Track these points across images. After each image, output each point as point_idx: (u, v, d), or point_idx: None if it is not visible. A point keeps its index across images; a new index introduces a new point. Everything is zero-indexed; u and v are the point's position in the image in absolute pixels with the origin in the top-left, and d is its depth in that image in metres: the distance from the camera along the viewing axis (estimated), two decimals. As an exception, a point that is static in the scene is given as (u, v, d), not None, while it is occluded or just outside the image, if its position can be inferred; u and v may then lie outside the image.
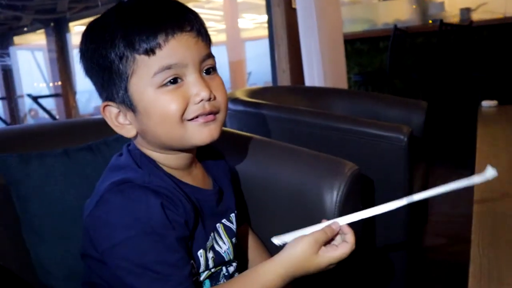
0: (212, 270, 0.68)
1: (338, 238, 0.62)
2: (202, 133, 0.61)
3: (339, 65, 2.65)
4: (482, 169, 0.83)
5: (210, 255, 0.67)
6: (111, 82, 0.61)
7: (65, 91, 7.24)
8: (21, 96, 7.45)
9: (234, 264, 0.73)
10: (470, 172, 0.87)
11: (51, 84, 7.68)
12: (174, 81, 0.59)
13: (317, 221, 0.79)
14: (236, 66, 8.36)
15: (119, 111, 0.63)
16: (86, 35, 0.62)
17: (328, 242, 0.61)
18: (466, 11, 3.82)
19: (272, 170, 0.85)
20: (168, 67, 0.58)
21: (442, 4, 4.05)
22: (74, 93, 7.33)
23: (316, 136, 1.28)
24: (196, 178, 0.70)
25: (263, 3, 2.92)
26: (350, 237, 0.60)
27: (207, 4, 8.67)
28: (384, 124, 1.25)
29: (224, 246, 0.70)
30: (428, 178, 1.80)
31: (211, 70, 0.63)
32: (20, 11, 7.29)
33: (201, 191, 0.68)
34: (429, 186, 1.90)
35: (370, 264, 1.29)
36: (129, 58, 0.58)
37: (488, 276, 0.45)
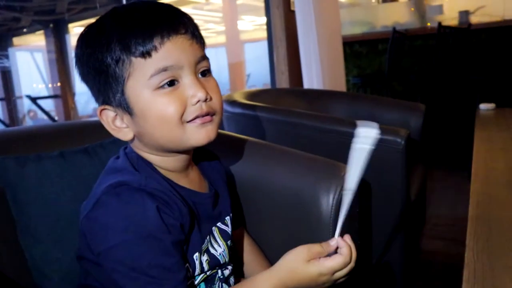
0: (208, 273, 0.68)
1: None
2: (199, 134, 0.62)
3: (338, 67, 2.65)
4: (478, 174, 0.83)
5: (205, 258, 0.67)
6: (107, 85, 0.61)
7: (64, 92, 7.24)
8: (20, 97, 7.44)
9: (230, 267, 0.73)
10: (468, 174, 0.87)
11: (50, 85, 7.68)
12: (171, 83, 0.60)
13: (314, 224, 0.79)
14: (236, 67, 8.37)
15: (116, 115, 0.63)
16: (81, 40, 0.62)
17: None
18: (464, 14, 3.82)
19: (268, 173, 0.85)
20: (164, 69, 0.59)
21: (440, 6, 4.05)
22: (73, 94, 7.33)
23: (314, 139, 1.28)
24: (192, 181, 0.70)
25: (262, 5, 2.92)
26: (344, 250, 0.60)
27: (207, 6, 8.69)
28: (381, 127, 1.25)
29: (219, 249, 0.70)
30: (426, 180, 1.81)
31: (206, 72, 0.64)
32: (19, 12, 7.29)
33: (197, 194, 0.68)
34: (427, 189, 1.91)
35: (368, 268, 1.29)
36: (126, 61, 0.59)
37: (482, 281, 0.45)
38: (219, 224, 0.72)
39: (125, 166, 0.64)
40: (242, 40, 8.74)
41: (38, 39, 8.12)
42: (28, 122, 7.84)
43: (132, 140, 0.66)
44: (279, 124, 1.32)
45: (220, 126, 0.68)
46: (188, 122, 0.61)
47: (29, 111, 7.93)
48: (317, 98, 1.88)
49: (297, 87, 2.65)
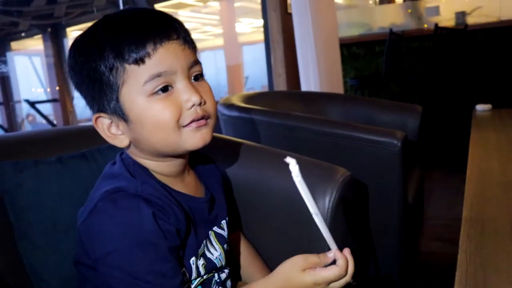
0: (204, 277, 0.68)
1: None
2: (195, 138, 0.62)
3: (335, 69, 2.66)
4: (473, 175, 0.84)
5: (201, 262, 0.68)
6: (102, 93, 0.61)
7: (63, 96, 7.24)
8: (19, 102, 7.45)
9: (226, 270, 0.73)
10: (465, 175, 0.88)
11: (48, 89, 7.69)
12: (165, 89, 0.60)
13: (310, 227, 0.80)
14: (234, 70, 8.38)
15: (111, 122, 0.64)
16: (74, 49, 0.63)
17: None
18: (461, 15, 3.84)
19: (264, 176, 0.86)
20: (158, 75, 0.59)
21: (437, 8, 4.07)
22: (72, 98, 7.33)
23: (311, 142, 1.29)
24: (188, 185, 0.71)
25: (260, 7, 2.93)
26: (341, 261, 0.60)
27: (204, 9, 8.70)
28: (377, 129, 1.26)
29: (216, 253, 0.71)
30: (423, 182, 1.81)
31: (199, 76, 0.65)
32: (17, 16, 7.29)
33: (193, 199, 0.69)
34: (424, 190, 1.91)
35: (365, 269, 1.30)
36: (119, 68, 0.59)
37: (473, 283, 0.45)
38: (215, 228, 0.73)
39: (121, 172, 0.65)
40: (240, 43, 8.76)
41: (36, 43, 8.13)
42: (26, 126, 7.84)
43: (128, 146, 0.66)
44: (276, 127, 1.32)
45: (216, 129, 0.69)
46: (183, 126, 0.61)
47: (27, 115, 7.92)
48: (314, 101, 1.89)
49: (295, 90, 2.66)
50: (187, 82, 0.61)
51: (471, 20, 3.85)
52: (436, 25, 3.19)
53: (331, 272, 0.59)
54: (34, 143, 0.92)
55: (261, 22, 2.93)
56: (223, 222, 0.75)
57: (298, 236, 0.83)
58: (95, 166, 0.85)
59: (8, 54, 8.00)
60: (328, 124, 1.28)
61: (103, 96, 0.61)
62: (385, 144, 1.22)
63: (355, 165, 1.27)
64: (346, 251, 0.61)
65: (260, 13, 2.97)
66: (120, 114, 0.62)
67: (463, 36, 3.32)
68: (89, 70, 0.60)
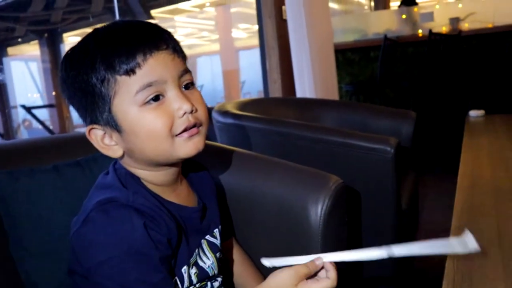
0: (197, 285, 0.69)
1: (322, 272, 0.62)
2: (188, 146, 0.63)
3: (330, 75, 2.68)
4: (464, 182, 0.85)
5: (193, 270, 0.68)
6: (94, 105, 0.62)
7: (59, 102, 7.23)
8: (15, 107, 7.43)
9: (219, 279, 0.74)
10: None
11: (44, 95, 7.68)
12: (156, 98, 0.61)
13: (303, 235, 0.81)
14: (230, 75, 8.40)
15: (105, 133, 0.65)
16: (65, 63, 0.64)
17: (311, 277, 0.61)
18: (455, 21, 3.87)
19: (258, 184, 0.87)
20: (149, 85, 0.60)
21: (431, 14, 4.10)
22: (68, 103, 7.33)
23: (305, 148, 1.30)
24: (180, 195, 0.71)
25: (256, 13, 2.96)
26: (332, 273, 0.60)
27: (201, 14, 8.73)
28: (371, 136, 1.27)
29: (208, 262, 0.72)
30: (418, 187, 1.82)
31: (190, 85, 0.66)
32: (14, 22, 7.30)
33: (185, 209, 0.69)
34: (419, 195, 1.92)
35: (358, 275, 1.30)
36: (111, 80, 0.60)
37: (460, 290, 0.46)
38: (207, 236, 0.73)
39: (113, 182, 0.65)
40: (237, 48, 8.78)
41: (32, 49, 8.14)
42: (22, 132, 7.82)
43: (122, 156, 0.67)
44: (270, 134, 1.33)
45: (211, 136, 0.70)
46: (176, 135, 0.62)
47: (23, 121, 7.91)
48: (308, 107, 1.90)
49: (290, 96, 2.68)
50: (178, 90, 0.63)
51: (465, 26, 3.88)
52: (430, 31, 3.22)
53: (324, 285, 0.59)
54: (29, 152, 0.93)
55: (257, 27, 2.95)
56: (216, 230, 0.76)
57: (291, 243, 0.83)
58: (90, 174, 0.86)
59: (5, 60, 7.99)
60: (322, 131, 1.29)
61: (96, 108, 0.62)
62: (378, 151, 1.23)
63: (349, 172, 1.28)
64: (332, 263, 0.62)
65: (256, 18, 2.99)
66: (113, 125, 0.63)
67: (457, 42, 3.35)
68: (81, 83, 0.61)
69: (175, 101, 0.62)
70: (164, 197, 0.67)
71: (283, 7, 2.73)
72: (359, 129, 1.82)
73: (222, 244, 0.77)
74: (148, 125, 0.61)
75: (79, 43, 0.64)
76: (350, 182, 1.28)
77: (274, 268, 0.62)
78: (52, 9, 6.62)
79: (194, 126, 0.63)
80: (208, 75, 9.64)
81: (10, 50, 8.57)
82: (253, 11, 3.01)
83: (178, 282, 0.66)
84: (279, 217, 0.84)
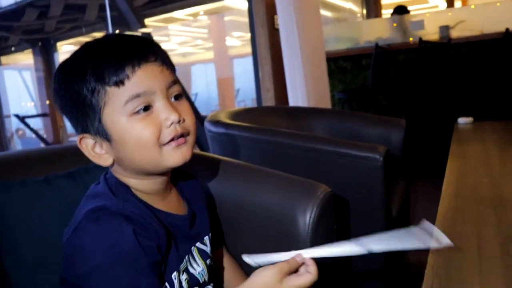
0: (188, 292, 0.70)
1: (302, 268, 0.63)
2: (175, 156, 0.66)
3: (322, 84, 2.71)
4: (448, 190, 0.87)
5: (184, 277, 0.70)
6: (85, 115, 0.65)
7: (53, 111, 7.22)
8: (8, 116, 7.41)
9: (210, 286, 0.75)
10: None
11: (38, 103, 7.67)
12: (145, 108, 0.64)
13: (292, 243, 0.82)
14: (225, 83, 8.44)
15: (95, 142, 0.67)
16: (58, 75, 0.66)
17: (293, 272, 0.63)
18: (445, 29, 3.92)
19: (247, 194, 0.88)
20: (137, 95, 0.63)
21: (421, 22, 4.16)
22: (58, 109, 7.31)
23: (296, 157, 1.32)
24: (170, 203, 0.73)
25: (249, 21, 2.99)
26: (312, 268, 0.62)
27: (195, 23, 8.78)
28: (360, 144, 1.29)
29: (198, 268, 0.73)
30: (409, 193, 1.84)
31: (178, 96, 0.68)
32: (7, 31, 7.30)
33: (174, 217, 0.71)
34: (410, 201, 1.93)
35: (350, 281, 1.32)
36: (101, 91, 0.62)
37: (438, 296, 0.48)
38: (198, 244, 0.75)
39: (104, 191, 0.67)
40: (231, 56, 8.84)
41: (26, 58, 8.14)
42: (16, 141, 7.79)
43: (112, 165, 0.69)
44: (261, 144, 1.35)
45: (204, 146, 0.72)
46: (164, 145, 0.65)
47: (17, 130, 7.88)
48: (300, 116, 1.93)
49: (282, 105, 2.70)
50: (166, 101, 0.65)
51: (455, 33, 3.93)
52: (420, 39, 3.26)
53: (305, 280, 0.61)
54: (22, 163, 0.94)
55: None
56: (206, 238, 0.77)
57: (280, 250, 0.85)
58: (82, 185, 0.87)
59: (-2, 69, 7.98)
60: (311, 140, 1.31)
61: (87, 118, 0.65)
62: (367, 159, 1.25)
63: (339, 180, 1.30)
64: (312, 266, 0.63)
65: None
66: (103, 134, 0.65)
67: (447, 50, 3.40)
68: (73, 94, 0.64)
69: (163, 112, 0.64)
70: (154, 205, 0.69)
71: (275, 16, 2.77)
72: (351, 137, 1.85)
73: (213, 253, 0.79)
74: (136, 134, 0.63)
75: (71, 56, 0.66)
76: (340, 190, 1.30)
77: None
78: (46, 18, 6.63)
79: (181, 136, 0.66)
80: (203, 83, 9.68)
81: (4, 59, 8.56)
82: (246, 19, 3.05)
83: None
84: (268, 226, 0.85)
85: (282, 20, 2.61)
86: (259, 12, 2.78)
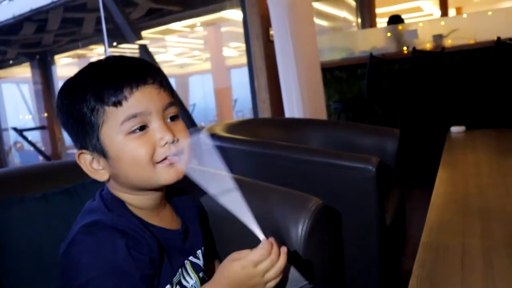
0: (181, 304, 0.72)
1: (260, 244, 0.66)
2: (168, 174, 0.68)
3: (318, 94, 2.74)
4: (436, 200, 0.89)
5: None
6: (84, 132, 0.68)
7: (51, 123, 7.24)
8: (6, 129, 7.42)
9: (202, 299, 0.77)
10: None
11: (36, 116, 7.69)
12: (141, 128, 0.67)
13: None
14: (222, 93, 8.48)
15: (93, 158, 0.70)
16: (61, 93, 0.70)
17: None
18: (438, 38, 3.97)
19: (241, 207, 0.90)
20: (134, 116, 0.66)
21: (415, 31, 4.21)
22: (60, 125, 7.33)
23: (290, 169, 1.34)
24: (163, 218, 0.76)
25: (245, 32, 3.02)
26: (264, 244, 0.65)
27: (192, 34, 8.84)
28: (353, 155, 1.31)
29: (191, 281, 0.75)
30: (404, 202, 1.86)
31: (175, 117, 0.71)
32: (5, 45, 7.34)
33: (167, 231, 0.74)
34: (406, 209, 1.94)
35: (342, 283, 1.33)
36: (100, 110, 0.66)
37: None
38: (190, 257, 0.77)
39: (98, 207, 0.70)
40: (228, 66, 8.88)
41: (24, 71, 8.17)
42: (14, 155, 7.79)
43: (108, 180, 0.72)
44: (256, 156, 1.37)
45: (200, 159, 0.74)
46: (158, 163, 0.67)
47: (15, 143, 7.89)
48: (296, 127, 1.95)
49: (278, 116, 2.73)
50: (161, 122, 0.68)
51: (448, 42, 3.98)
52: (413, 48, 3.30)
53: (255, 253, 0.63)
54: (19, 180, 0.96)
55: (248, 45, 3.02)
56: (199, 252, 0.79)
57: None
58: (79, 201, 0.88)
59: (-4, 83, 8.01)
60: (305, 152, 1.33)
61: (86, 135, 0.68)
62: (360, 170, 1.27)
63: (333, 190, 1.32)
64: (271, 238, 0.66)
65: (246, 37, 3.06)
66: (100, 151, 0.68)
67: (441, 58, 3.44)
68: (74, 112, 0.67)
69: (158, 132, 0.67)
70: (148, 221, 0.71)
71: (270, 28, 2.81)
72: (346, 148, 1.87)
73: (207, 266, 0.81)
74: (131, 152, 0.66)
75: (75, 75, 0.70)
76: (334, 201, 1.32)
77: None
78: (44, 31, 6.68)
79: (175, 155, 0.68)
80: (200, 94, 9.72)
81: (2, 72, 8.59)
82: (243, 30, 3.09)
83: None
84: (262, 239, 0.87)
85: (277, 32, 2.65)
86: (254, 24, 2.82)
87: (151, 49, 6.48)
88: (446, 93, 3.29)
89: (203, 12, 6.69)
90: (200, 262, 0.79)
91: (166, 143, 0.67)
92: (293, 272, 0.73)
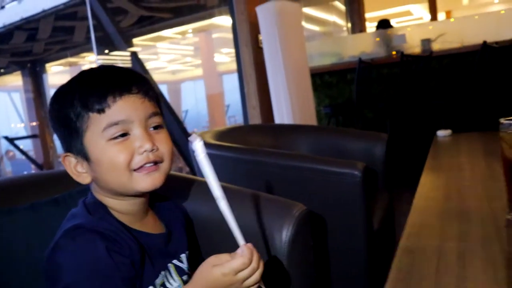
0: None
1: (239, 249, 0.66)
2: (145, 181, 0.71)
3: (307, 100, 2.76)
4: (418, 204, 0.91)
5: None
6: (70, 136, 0.72)
7: (42, 131, 7.22)
8: (-3, 139, 7.38)
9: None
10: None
11: (28, 125, 7.66)
12: (123, 135, 0.69)
13: (269, 260, 0.86)
14: (214, 99, 8.49)
15: (77, 161, 0.73)
16: (53, 98, 0.74)
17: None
18: (426, 42, 4.02)
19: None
20: (116, 123, 0.69)
21: (403, 36, 4.26)
22: (52, 133, 7.30)
23: (278, 175, 1.36)
24: (146, 224, 0.78)
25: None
26: (244, 250, 0.65)
27: (183, 41, 8.86)
28: (339, 161, 1.33)
29: (175, 284, 0.77)
30: (393, 206, 1.88)
31: (158, 126, 0.74)
32: (-4, 54, 7.31)
33: (149, 235, 0.76)
34: (394, 214, 1.96)
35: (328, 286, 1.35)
36: (85, 116, 0.69)
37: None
38: (174, 261, 0.79)
39: (80, 212, 0.73)
40: (220, 72, 8.91)
41: (15, 80, 8.15)
42: (6, 163, 7.74)
43: (90, 184, 0.75)
44: (244, 163, 1.39)
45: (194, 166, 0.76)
46: (135, 170, 0.70)
47: (7, 152, 7.84)
48: (285, 133, 1.97)
49: (268, 122, 2.75)
50: (142, 130, 0.70)
51: (436, 46, 4.04)
52: (402, 53, 3.35)
53: (236, 261, 0.64)
54: (8, 191, 0.96)
55: (239, 51, 3.04)
56: (183, 255, 0.81)
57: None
58: (67, 211, 0.88)
59: (-13, 92, 7.97)
60: (291, 158, 1.35)
61: (71, 139, 0.72)
62: (346, 175, 1.29)
63: (319, 196, 1.34)
64: (250, 244, 0.66)
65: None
66: (83, 155, 0.71)
67: (429, 62, 3.48)
68: (61, 116, 0.71)
69: (138, 140, 0.70)
70: (130, 225, 0.73)
71: (259, 35, 2.84)
72: (334, 153, 1.89)
73: (192, 271, 0.82)
74: (110, 157, 0.69)
75: (67, 82, 0.73)
76: (321, 206, 1.34)
77: None
78: (34, 40, 6.67)
79: (155, 163, 0.71)
80: (193, 100, 9.73)
81: (-7, 81, 8.56)
82: (233, 37, 3.11)
83: None
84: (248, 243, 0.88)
85: (266, 39, 2.67)
86: (243, 31, 2.84)
87: (143, 56, 6.49)
88: (435, 96, 3.33)
89: (194, 19, 6.72)
90: (184, 265, 0.80)
91: (144, 151, 0.69)
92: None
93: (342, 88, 3.90)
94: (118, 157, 0.69)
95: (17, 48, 7.14)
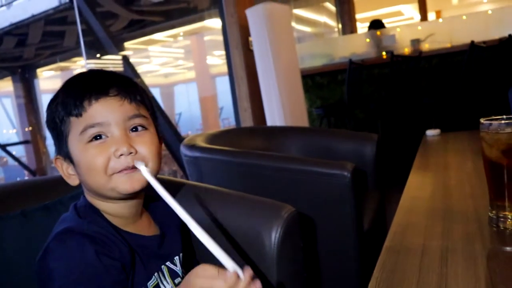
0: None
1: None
2: (123, 184, 0.71)
3: (298, 102, 2.78)
4: (404, 204, 0.93)
5: None
6: (58, 140, 0.74)
7: (34, 137, 7.18)
8: (-11, 145, 7.33)
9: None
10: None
11: (20, 130, 7.61)
12: (99, 137, 0.70)
13: (259, 261, 0.87)
14: (207, 101, 8.49)
15: (67, 164, 0.75)
16: (48, 103, 0.76)
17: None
18: (416, 42, 4.06)
19: (217, 217, 0.93)
20: (92, 126, 0.70)
21: (393, 36, 4.30)
22: (44, 138, 7.27)
23: (269, 178, 1.37)
24: (140, 226, 0.78)
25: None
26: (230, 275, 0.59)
27: (175, 44, 8.86)
28: (328, 162, 1.35)
29: (168, 286, 0.77)
30: (384, 205, 1.90)
31: (140, 127, 0.73)
32: (-14, 60, 7.26)
33: (141, 238, 0.76)
34: (386, 213, 1.98)
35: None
36: (66, 120, 0.72)
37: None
38: (168, 263, 0.79)
39: (70, 216, 0.73)
40: (213, 74, 8.91)
41: (6, 85, 8.10)
42: (-2, 170, 7.68)
43: (81, 186, 0.76)
44: (235, 166, 1.40)
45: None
46: (115, 173, 0.70)
47: (-1, 158, 7.79)
48: (276, 135, 1.98)
49: (260, 124, 2.76)
50: (120, 133, 0.71)
51: (426, 46, 4.07)
52: (391, 53, 3.38)
53: (218, 281, 0.58)
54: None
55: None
56: (176, 258, 0.82)
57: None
58: (57, 217, 0.89)
59: (-23, 98, 7.91)
60: (282, 160, 1.36)
61: (59, 142, 0.74)
62: (336, 176, 1.31)
63: (310, 197, 1.36)
64: (241, 272, 0.60)
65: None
66: (69, 158, 0.73)
67: (418, 62, 3.52)
68: (50, 121, 0.74)
69: (114, 143, 0.70)
70: (122, 228, 0.74)
71: (249, 37, 2.85)
72: (325, 154, 1.91)
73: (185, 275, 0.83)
74: (88, 160, 0.70)
75: (60, 88, 0.75)
76: (311, 207, 1.36)
77: None
78: (25, 45, 6.64)
79: (133, 167, 0.70)
80: (186, 103, 9.72)
81: (-17, 87, 8.50)
82: (223, 40, 3.12)
83: None
84: (237, 246, 0.90)
85: (256, 41, 2.69)
86: (233, 34, 2.86)
87: (135, 60, 6.49)
88: (424, 96, 3.36)
89: (185, 22, 6.73)
90: (177, 268, 0.81)
91: (121, 154, 0.69)
92: None
93: (334, 89, 3.93)
94: (95, 161, 0.70)
95: (7, 54, 7.11)
